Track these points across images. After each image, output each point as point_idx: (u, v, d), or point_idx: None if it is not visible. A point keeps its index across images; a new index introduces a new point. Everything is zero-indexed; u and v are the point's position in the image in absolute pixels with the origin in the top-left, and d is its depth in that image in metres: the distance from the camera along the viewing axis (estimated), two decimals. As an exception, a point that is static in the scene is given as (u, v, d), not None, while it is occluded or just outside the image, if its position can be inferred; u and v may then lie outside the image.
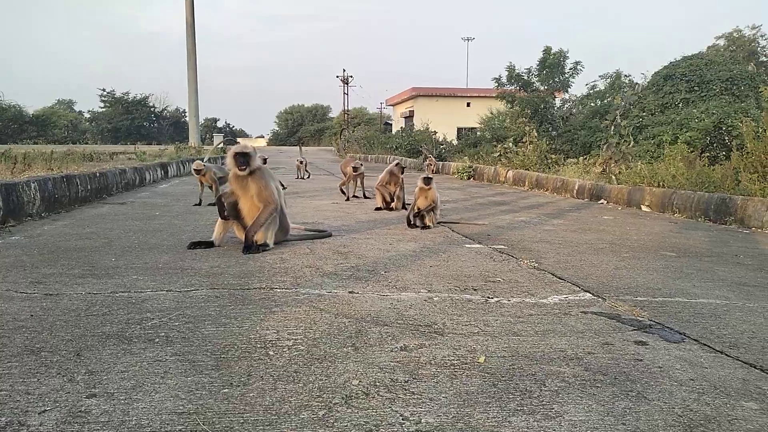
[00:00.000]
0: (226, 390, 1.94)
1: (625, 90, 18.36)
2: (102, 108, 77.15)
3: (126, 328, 2.55)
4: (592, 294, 3.37)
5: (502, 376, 2.11)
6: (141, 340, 2.40)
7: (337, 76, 61.19)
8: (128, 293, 3.13)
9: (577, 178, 10.66)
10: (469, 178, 14.79)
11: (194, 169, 7.56)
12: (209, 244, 4.53)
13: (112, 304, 2.92)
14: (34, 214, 6.09)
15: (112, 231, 5.28)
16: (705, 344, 2.53)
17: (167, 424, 1.70)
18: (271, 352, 2.29)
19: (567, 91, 19.03)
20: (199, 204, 7.51)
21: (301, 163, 13.76)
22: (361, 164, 8.97)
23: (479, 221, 6.55)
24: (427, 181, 5.85)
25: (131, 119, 74.23)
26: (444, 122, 32.13)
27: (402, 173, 7.50)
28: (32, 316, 2.70)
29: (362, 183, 9.10)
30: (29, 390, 1.91)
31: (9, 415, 1.74)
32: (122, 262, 3.91)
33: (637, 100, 16.47)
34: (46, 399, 1.85)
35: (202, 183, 7.69)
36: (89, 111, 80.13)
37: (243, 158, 4.39)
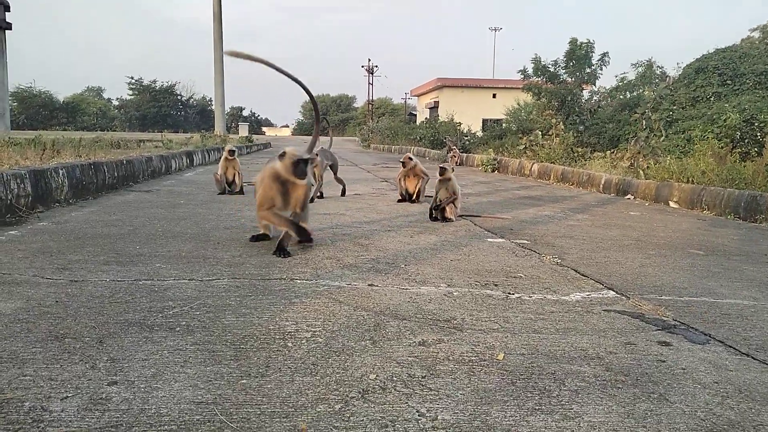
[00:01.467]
0: (245, 381, 1.95)
1: (657, 82, 18.00)
2: (130, 95, 78.38)
3: (148, 316, 2.58)
4: (616, 292, 3.32)
5: (521, 374, 2.09)
6: (162, 328, 2.43)
7: (362, 66, 61.16)
8: (151, 281, 3.17)
9: (603, 173, 10.50)
10: (493, 171, 14.67)
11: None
12: (266, 237, 4.39)
13: (135, 291, 2.96)
14: (62, 200, 6.21)
15: (137, 219, 5.35)
16: (731, 346, 2.47)
17: (185, 414, 1.72)
18: (289, 344, 2.30)
19: (595, 84, 18.73)
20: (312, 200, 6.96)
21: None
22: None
23: (502, 215, 6.50)
24: (442, 170, 5.82)
25: (158, 107, 75.24)
26: (469, 113, 31.92)
27: (411, 162, 7.18)
28: (57, 302, 2.75)
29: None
30: (52, 376, 1.95)
31: (33, 400, 1.78)
32: (146, 250, 3.97)
33: (669, 93, 16.13)
34: (69, 385, 1.88)
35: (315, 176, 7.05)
36: (118, 98, 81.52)
37: (304, 166, 3.92)
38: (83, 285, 3.05)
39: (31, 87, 56.59)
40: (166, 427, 1.64)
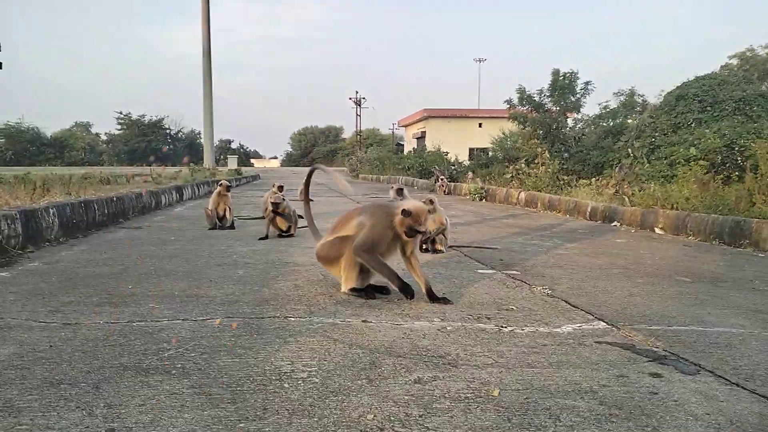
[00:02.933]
0: (242, 424, 1.96)
1: (639, 110, 18.36)
2: (119, 130, 78.51)
3: (143, 359, 2.58)
4: (606, 323, 3.36)
5: (516, 411, 2.11)
6: (158, 371, 2.43)
7: (350, 98, 61.79)
8: (145, 322, 3.17)
9: (590, 200, 10.63)
10: (481, 200, 14.80)
11: (272, 203, 6.81)
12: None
13: (129, 333, 2.96)
14: (53, 239, 6.19)
15: (128, 257, 5.35)
16: (720, 376, 2.51)
17: (185, 460, 1.72)
18: (286, 385, 2.31)
19: (579, 111, 19.08)
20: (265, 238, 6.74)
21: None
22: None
23: (491, 245, 6.55)
24: (399, 192, 6.00)
25: (147, 141, 75.35)
26: (456, 143, 32.30)
27: (400, 196, 7.24)
28: (51, 346, 2.75)
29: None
30: (49, 425, 1.95)
31: (30, 449, 1.78)
32: (139, 290, 3.97)
33: (651, 121, 16.45)
34: (66, 433, 1.88)
35: (275, 223, 6.91)
36: (106, 133, 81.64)
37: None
38: (77, 328, 3.05)
39: (19, 123, 56.59)
40: (165, 474, 1.65)
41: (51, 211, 6.25)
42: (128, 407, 2.08)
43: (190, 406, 2.10)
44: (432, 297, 3.80)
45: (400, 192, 7.30)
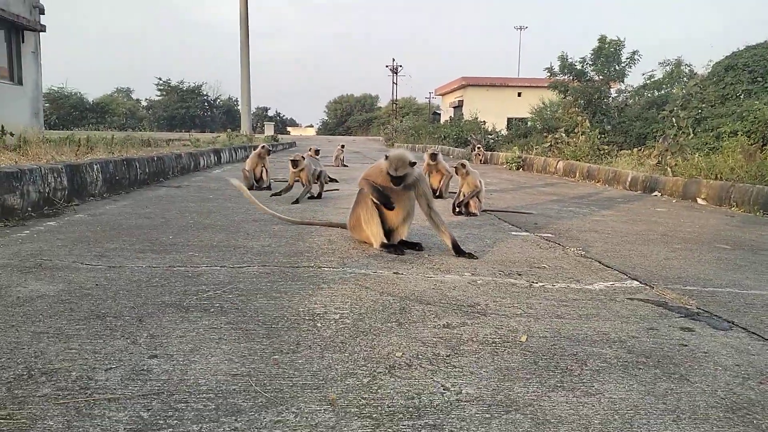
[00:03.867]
0: (277, 356, 2.04)
1: (685, 80, 17.74)
2: (158, 96, 79.70)
3: (183, 298, 2.69)
4: (640, 282, 3.34)
5: (543, 355, 2.14)
6: (197, 309, 2.54)
7: (387, 66, 61.24)
8: (185, 267, 3.29)
9: (630, 170, 10.42)
10: (518, 169, 14.63)
11: (291, 160, 6.78)
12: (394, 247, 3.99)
13: (170, 276, 3.08)
14: (96, 194, 6.41)
15: (169, 212, 5.50)
16: (754, 333, 2.49)
17: (222, 384, 1.81)
18: (318, 324, 2.39)
19: (623, 82, 18.52)
20: (297, 202, 6.54)
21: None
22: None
23: (527, 210, 6.51)
24: (458, 168, 5.91)
25: (186, 107, 76.38)
26: (494, 112, 31.79)
27: (434, 161, 7.26)
28: (97, 285, 2.88)
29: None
30: (96, 350, 2.06)
31: (79, 370, 1.89)
32: (179, 240, 4.10)
33: (698, 91, 15.89)
34: (112, 358, 1.99)
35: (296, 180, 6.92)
36: (146, 99, 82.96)
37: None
38: (121, 270, 3.18)
39: (62, 88, 57.94)
40: (204, 395, 1.74)
41: (95, 167, 6.45)
42: (170, 338, 2.19)
43: (227, 339, 2.20)
44: (458, 251, 3.88)
45: (433, 157, 7.30)
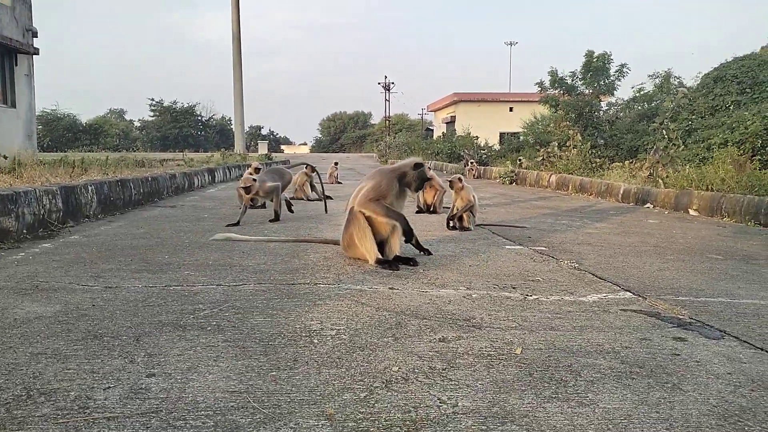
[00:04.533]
0: (274, 373, 2.06)
1: (675, 92, 17.94)
2: (151, 117, 79.81)
3: (180, 317, 2.71)
4: (633, 293, 3.37)
5: (538, 367, 2.16)
6: (194, 328, 2.55)
7: (379, 83, 61.68)
8: (181, 287, 3.30)
9: (622, 182, 10.51)
10: (511, 183, 14.72)
11: (242, 188, 6.27)
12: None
13: (166, 296, 3.10)
14: (91, 215, 6.42)
15: (164, 231, 5.52)
16: (745, 341, 2.52)
17: (220, 401, 1.83)
18: (315, 341, 2.40)
19: (613, 94, 18.71)
20: (237, 224, 6.04)
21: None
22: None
23: (520, 224, 6.56)
24: (452, 183, 5.97)
25: (179, 127, 76.48)
26: (486, 127, 32.02)
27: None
28: (94, 305, 2.89)
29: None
30: (94, 369, 2.07)
31: (77, 390, 1.90)
32: (174, 259, 4.11)
33: (687, 103, 16.07)
34: (110, 377, 2.01)
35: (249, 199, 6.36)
36: (139, 120, 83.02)
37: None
38: (117, 291, 3.20)
39: (55, 110, 57.97)
40: (202, 412, 1.75)
41: (90, 188, 6.47)
42: (167, 357, 2.20)
43: (224, 356, 2.21)
44: (419, 247, 4.33)
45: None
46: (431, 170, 7.26)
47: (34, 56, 15.29)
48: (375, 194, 3.97)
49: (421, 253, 4.39)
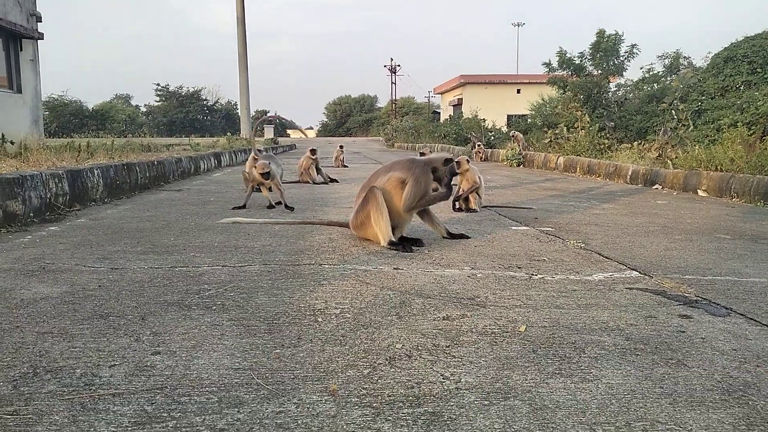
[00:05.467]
0: (278, 350, 2.07)
1: (684, 71, 17.74)
2: (157, 102, 79.85)
3: (185, 297, 2.72)
4: (639, 272, 3.36)
5: (542, 344, 2.16)
6: (199, 307, 2.56)
7: (385, 66, 61.28)
8: (187, 268, 3.32)
9: (630, 164, 10.43)
10: (518, 165, 14.65)
11: (260, 173, 6.02)
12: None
13: (172, 276, 3.11)
14: (98, 199, 6.44)
15: (170, 214, 5.54)
16: (752, 318, 2.50)
17: (224, 378, 1.84)
18: (319, 319, 2.41)
19: (622, 75, 18.50)
20: (243, 207, 6.04)
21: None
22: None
23: (527, 206, 6.53)
24: (457, 164, 5.86)
25: (185, 112, 76.50)
26: (493, 109, 31.84)
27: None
28: (100, 286, 2.91)
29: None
30: (100, 347, 2.09)
31: (83, 367, 1.92)
32: (180, 241, 4.13)
33: (697, 83, 15.88)
34: (116, 355, 2.02)
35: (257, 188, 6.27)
36: (145, 105, 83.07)
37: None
38: (123, 272, 3.21)
39: (62, 96, 58.06)
40: (207, 388, 1.76)
41: (96, 171, 6.48)
42: (172, 335, 2.21)
43: (229, 335, 2.22)
44: (451, 234, 4.37)
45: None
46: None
47: (38, 41, 15.25)
48: (422, 193, 3.99)
49: (455, 238, 4.36)
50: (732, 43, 16.41)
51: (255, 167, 6.21)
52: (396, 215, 4.01)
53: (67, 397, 1.71)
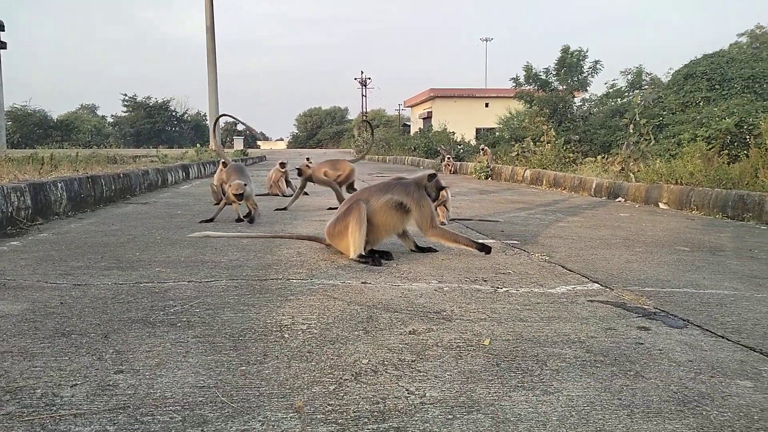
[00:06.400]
0: (244, 367, 2.06)
1: (645, 87, 18.25)
2: (124, 112, 78.70)
3: (150, 313, 2.69)
4: (600, 285, 3.44)
5: (506, 357, 2.20)
6: (164, 324, 2.54)
7: (356, 79, 61.53)
8: (152, 283, 3.28)
9: (594, 177, 10.66)
10: (486, 178, 14.83)
11: (234, 194, 5.82)
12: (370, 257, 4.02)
13: (136, 293, 3.07)
14: (61, 212, 6.31)
15: (135, 228, 5.46)
16: (707, 330, 2.59)
17: (189, 396, 1.83)
18: (286, 335, 2.41)
19: (586, 90, 18.97)
20: (211, 221, 5.93)
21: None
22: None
23: (494, 218, 6.62)
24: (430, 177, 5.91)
25: (153, 123, 75.52)
26: (462, 123, 32.22)
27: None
28: (62, 303, 2.86)
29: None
30: (61, 367, 2.06)
31: (44, 387, 1.88)
32: (146, 256, 4.08)
33: (657, 99, 16.36)
34: (77, 374, 1.99)
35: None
36: (112, 115, 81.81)
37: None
38: (86, 288, 3.16)
39: (25, 106, 56.83)
40: (171, 407, 1.75)
41: (59, 185, 6.36)
42: (136, 353, 2.19)
43: (194, 352, 2.21)
44: (419, 247, 4.46)
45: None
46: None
47: (1, 50, 14.94)
48: (432, 209, 4.24)
49: (424, 252, 4.46)
50: (692, 60, 16.98)
51: (230, 186, 5.97)
52: (375, 233, 4.07)
53: (26, 418, 1.68)
